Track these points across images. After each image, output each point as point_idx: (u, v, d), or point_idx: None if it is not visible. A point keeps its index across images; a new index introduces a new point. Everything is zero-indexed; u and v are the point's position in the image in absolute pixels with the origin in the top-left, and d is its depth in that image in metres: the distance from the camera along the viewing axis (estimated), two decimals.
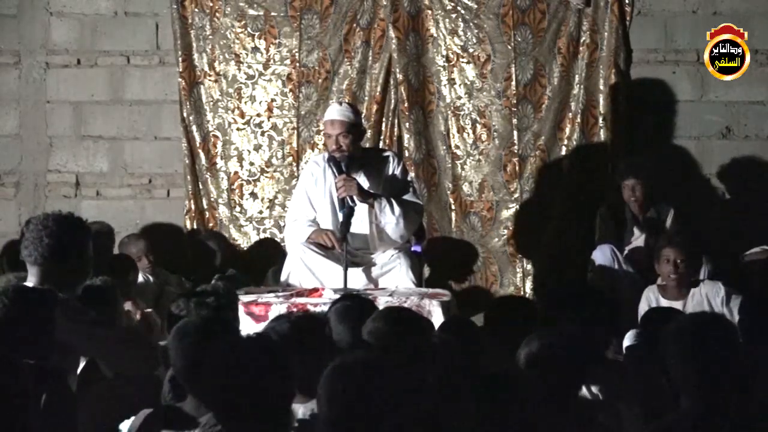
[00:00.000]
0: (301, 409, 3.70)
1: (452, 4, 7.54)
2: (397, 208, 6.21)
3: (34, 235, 4.06)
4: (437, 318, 5.41)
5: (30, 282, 4.11)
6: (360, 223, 6.26)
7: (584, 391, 4.00)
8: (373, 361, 3.04)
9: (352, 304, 4.51)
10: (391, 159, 6.56)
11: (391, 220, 6.21)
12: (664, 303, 5.96)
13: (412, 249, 6.50)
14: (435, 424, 3.26)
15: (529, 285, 7.54)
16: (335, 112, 6.36)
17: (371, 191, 6.27)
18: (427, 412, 3.18)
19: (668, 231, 6.78)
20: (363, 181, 6.29)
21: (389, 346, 3.81)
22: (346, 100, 7.18)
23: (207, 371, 3.14)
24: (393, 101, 7.63)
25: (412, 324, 4.01)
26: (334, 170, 6.27)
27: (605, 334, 4.69)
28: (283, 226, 7.57)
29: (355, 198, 6.14)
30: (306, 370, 3.77)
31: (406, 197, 6.38)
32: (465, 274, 7.61)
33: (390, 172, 6.42)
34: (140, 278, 6.76)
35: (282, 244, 7.35)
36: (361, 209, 6.22)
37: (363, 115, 7.12)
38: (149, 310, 5.73)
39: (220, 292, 4.96)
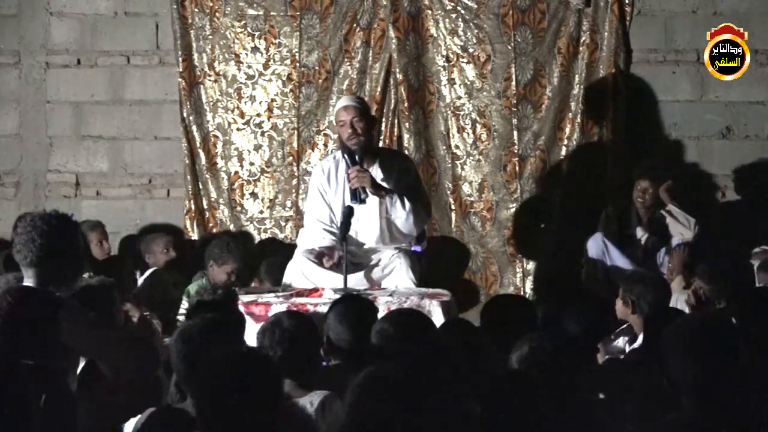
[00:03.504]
0: (300, 402, 3.73)
1: (452, 4, 7.54)
2: (407, 204, 6.23)
3: (25, 237, 4.01)
4: (437, 318, 5.41)
5: (27, 284, 4.10)
6: (369, 220, 6.26)
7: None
8: (404, 373, 3.03)
9: (352, 304, 4.51)
10: (403, 159, 6.70)
11: (401, 214, 6.23)
12: None
13: (412, 249, 6.50)
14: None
15: (529, 285, 7.54)
16: (346, 100, 6.47)
17: (384, 185, 6.27)
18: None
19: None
20: (376, 175, 6.29)
21: (397, 349, 3.81)
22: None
23: (202, 375, 3.17)
24: (393, 101, 7.63)
25: (421, 327, 4.02)
26: (348, 161, 6.25)
27: (600, 333, 4.70)
28: (284, 226, 7.59)
29: (367, 190, 6.14)
30: (304, 364, 3.83)
31: (415, 196, 6.39)
32: (464, 273, 7.62)
33: (402, 171, 6.44)
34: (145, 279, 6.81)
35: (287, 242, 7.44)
36: (371, 207, 6.21)
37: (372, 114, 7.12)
38: (148, 312, 5.74)
39: (220, 293, 4.99)
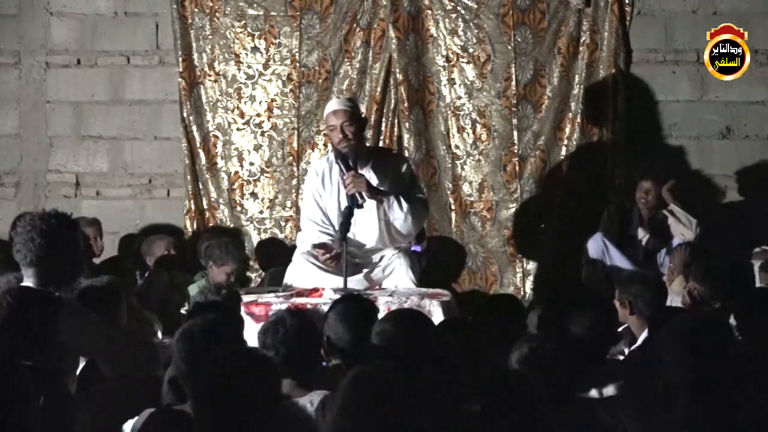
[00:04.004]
0: (300, 401, 3.73)
1: (452, 4, 7.54)
2: (404, 205, 6.21)
3: (25, 237, 4.01)
4: (437, 318, 5.41)
5: (27, 283, 4.10)
6: (368, 223, 6.26)
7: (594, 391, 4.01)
8: (395, 372, 3.03)
9: (352, 304, 4.51)
10: (396, 158, 6.65)
11: (399, 216, 6.21)
12: None
13: (412, 249, 6.49)
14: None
15: (529, 285, 7.54)
16: (335, 103, 6.39)
17: (380, 188, 6.26)
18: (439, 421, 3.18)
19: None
20: (371, 178, 6.28)
21: (398, 349, 3.82)
22: (355, 96, 7.29)
23: (200, 375, 3.17)
24: (393, 101, 7.63)
25: (421, 327, 4.02)
26: (342, 167, 6.23)
27: (606, 334, 4.68)
28: (284, 226, 7.58)
29: (364, 194, 6.13)
30: (304, 364, 3.83)
31: (411, 194, 6.38)
32: (464, 273, 7.62)
33: (396, 170, 6.41)
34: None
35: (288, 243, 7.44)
36: (368, 209, 6.21)
37: (362, 115, 7.10)
38: (147, 312, 5.75)
39: (224, 293, 4.98)
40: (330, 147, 7.34)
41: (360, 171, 6.22)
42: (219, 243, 6.75)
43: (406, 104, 7.55)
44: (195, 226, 7.66)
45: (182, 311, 6.25)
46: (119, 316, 4.75)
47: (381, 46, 7.59)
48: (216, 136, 7.70)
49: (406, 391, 2.92)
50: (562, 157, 7.53)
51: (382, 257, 6.27)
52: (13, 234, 4.15)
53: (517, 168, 7.54)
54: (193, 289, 6.45)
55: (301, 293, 5.89)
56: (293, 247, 6.71)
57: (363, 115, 6.73)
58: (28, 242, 3.98)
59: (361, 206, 6.12)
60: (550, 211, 7.53)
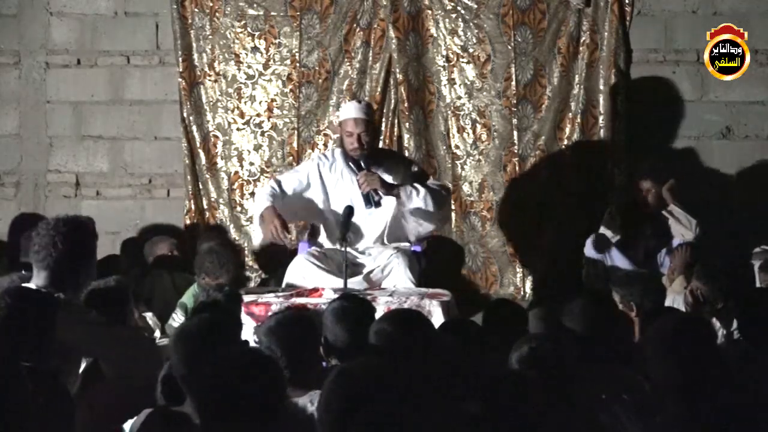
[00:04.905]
0: (299, 401, 3.73)
1: (452, 4, 7.54)
2: (421, 190, 6.24)
3: (47, 240, 4.04)
4: (437, 318, 5.41)
5: (35, 283, 4.11)
6: (368, 221, 6.27)
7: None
8: (377, 368, 3.03)
9: (350, 304, 4.51)
10: (401, 157, 6.78)
11: (418, 202, 6.22)
12: None
13: (412, 249, 6.49)
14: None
15: (529, 285, 7.54)
16: (357, 110, 6.33)
17: (394, 182, 6.28)
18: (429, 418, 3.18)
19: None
20: (382, 175, 6.29)
21: (395, 348, 3.82)
22: (364, 99, 7.25)
23: (204, 376, 3.17)
24: (393, 101, 7.63)
25: (419, 326, 4.02)
26: (354, 168, 6.26)
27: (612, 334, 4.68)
28: None
29: (379, 191, 6.14)
30: (303, 364, 3.83)
31: (427, 183, 6.42)
32: (464, 273, 7.62)
33: (406, 167, 6.48)
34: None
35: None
36: (366, 210, 6.22)
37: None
38: (147, 312, 5.74)
39: (223, 295, 4.98)
40: (331, 146, 7.37)
41: (372, 169, 6.25)
42: (209, 254, 6.45)
43: (406, 104, 7.55)
44: (193, 223, 7.64)
45: (172, 320, 6.19)
46: (126, 316, 4.76)
47: (381, 46, 7.59)
48: (216, 136, 7.70)
49: (393, 389, 2.92)
50: (562, 157, 7.53)
51: (380, 258, 6.27)
52: (34, 234, 4.16)
53: (517, 168, 7.54)
54: (189, 301, 6.32)
55: (301, 293, 5.89)
56: (294, 249, 6.72)
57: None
58: (50, 246, 4.02)
59: (378, 204, 6.13)
60: (550, 211, 7.53)
